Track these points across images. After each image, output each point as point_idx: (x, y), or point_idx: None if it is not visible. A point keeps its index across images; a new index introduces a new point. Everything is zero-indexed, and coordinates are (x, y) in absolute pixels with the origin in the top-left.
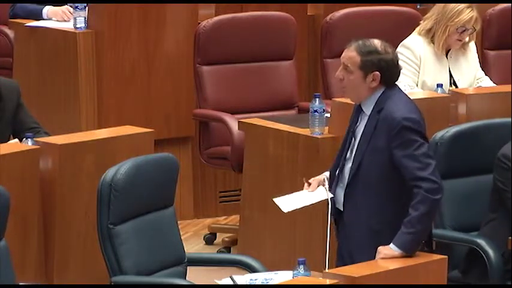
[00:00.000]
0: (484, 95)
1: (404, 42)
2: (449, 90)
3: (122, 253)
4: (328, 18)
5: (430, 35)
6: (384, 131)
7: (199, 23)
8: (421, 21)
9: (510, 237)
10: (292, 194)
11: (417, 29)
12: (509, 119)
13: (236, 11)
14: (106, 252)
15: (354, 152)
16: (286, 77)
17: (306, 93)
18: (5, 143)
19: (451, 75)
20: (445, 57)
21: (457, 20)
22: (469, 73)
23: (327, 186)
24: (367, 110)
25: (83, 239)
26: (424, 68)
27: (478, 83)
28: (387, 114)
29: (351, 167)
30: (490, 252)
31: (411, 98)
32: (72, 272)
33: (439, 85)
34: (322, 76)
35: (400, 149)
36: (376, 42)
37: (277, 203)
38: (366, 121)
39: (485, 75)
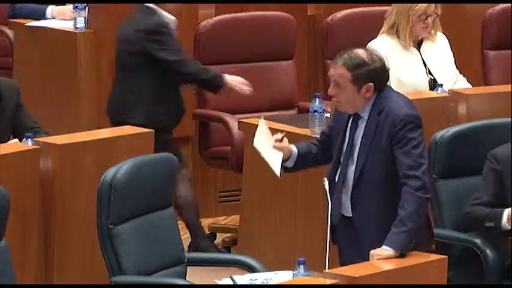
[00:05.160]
0: (484, 95)
1: (367, 46)
2: (449, 90)
3: (121, 253)
4: (329, 19)
5: (395, 30)
6: (386, 130)
7: (199, 23)
8: (384, 21)
9: (510, 237)
10: (269, 145)
11: (382, 29)
12: (509, 119)
13: (236, 11)
14: (106, 252)
15: (355, 157)
16: (286, 77)
17: (306, 93)
18: (5, 143)
19: (426, 68)
20: (416, 50)
21: (417, 7)
22: (445, 63)
23: (327, 186)
24: (365, 114)
25: (83, 239)
26: (393, 65)
27: (455, 80)
28: (389, 113)
29: (355, 171)
30: (488, 251)
31: (413, 98)
32: (72, 272)
33: (439, 85)
34: (323, 77)
35: (399, 145)
36: (361, 53)
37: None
38: (364, 125)
39: (485, 74)
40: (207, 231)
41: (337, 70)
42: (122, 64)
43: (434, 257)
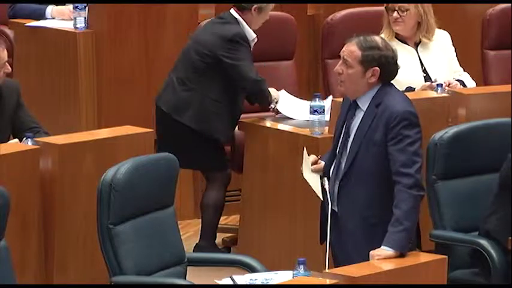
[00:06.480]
0: (484, 95)
1: None
2: (449, 90)
3: (122, 253)
4: (329, 18)
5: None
6: (381, 124)
7: (199, 23)
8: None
9: (510, 238)
10: (309, 171)
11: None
12: (509, 119)
13: None
14: (106, 252)
15: (348, 147)
16: (286, 77)
17: (306, 93)
18: (5, 143)
19: (423, 66)
20: (413, 49)
21: (385, 4)
22: (444, 61)
23: (326, 186)
24: (364, 105)
25: (83, 239)
26: None
27: (457, 76)
28: (386, 108)
29: (346, 160)
30: (493, 252)
31: (413, 97)
32: (72, 272)
33: (439, 85)
34: (322, 76)
35: (394, 142)
36: (377, 39)
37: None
38: (361, 116)
39: (485, 74)
40: None
41: (349, 47)
42: (193, 65)
43: (434, 257)
